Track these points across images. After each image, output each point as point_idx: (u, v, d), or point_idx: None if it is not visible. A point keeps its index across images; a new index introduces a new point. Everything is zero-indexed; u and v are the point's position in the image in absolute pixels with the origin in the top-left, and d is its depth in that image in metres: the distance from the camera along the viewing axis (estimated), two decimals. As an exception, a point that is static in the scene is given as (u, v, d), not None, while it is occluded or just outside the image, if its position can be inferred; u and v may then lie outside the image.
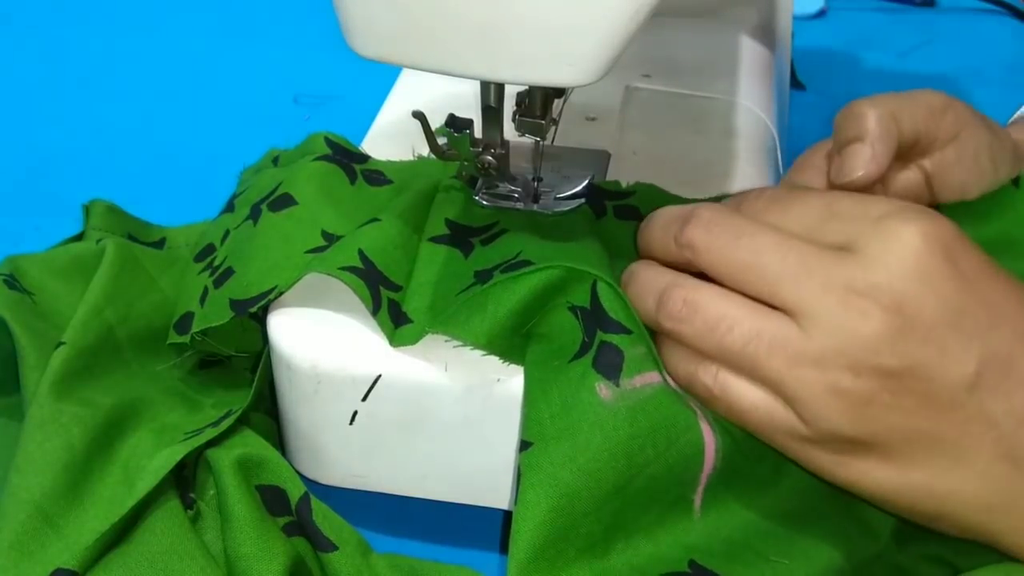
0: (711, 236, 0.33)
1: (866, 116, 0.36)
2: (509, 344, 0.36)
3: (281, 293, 0.38)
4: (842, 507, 0.35)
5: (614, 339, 0.34)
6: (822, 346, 0.30)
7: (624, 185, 0.43)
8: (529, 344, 0.36)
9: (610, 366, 0.34)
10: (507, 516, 0.38)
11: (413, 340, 0.36)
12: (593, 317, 0.35)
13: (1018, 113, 0.48)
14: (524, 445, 0.33)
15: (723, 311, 0.32)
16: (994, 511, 0.31)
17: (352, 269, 0.37)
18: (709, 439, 0.34)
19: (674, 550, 0.34)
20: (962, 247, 0.31)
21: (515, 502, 0.33)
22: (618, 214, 0.42)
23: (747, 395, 0.32)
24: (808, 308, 0.31)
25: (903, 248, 0.30)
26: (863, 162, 0.36)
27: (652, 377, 0.34)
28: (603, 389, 0.33)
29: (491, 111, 0.39)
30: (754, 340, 0.31)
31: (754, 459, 0.35)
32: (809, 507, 0.35)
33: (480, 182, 0.42)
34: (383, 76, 0.51)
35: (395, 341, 0.37)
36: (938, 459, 0.31)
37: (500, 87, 0.38)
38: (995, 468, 0.31)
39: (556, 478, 0.33)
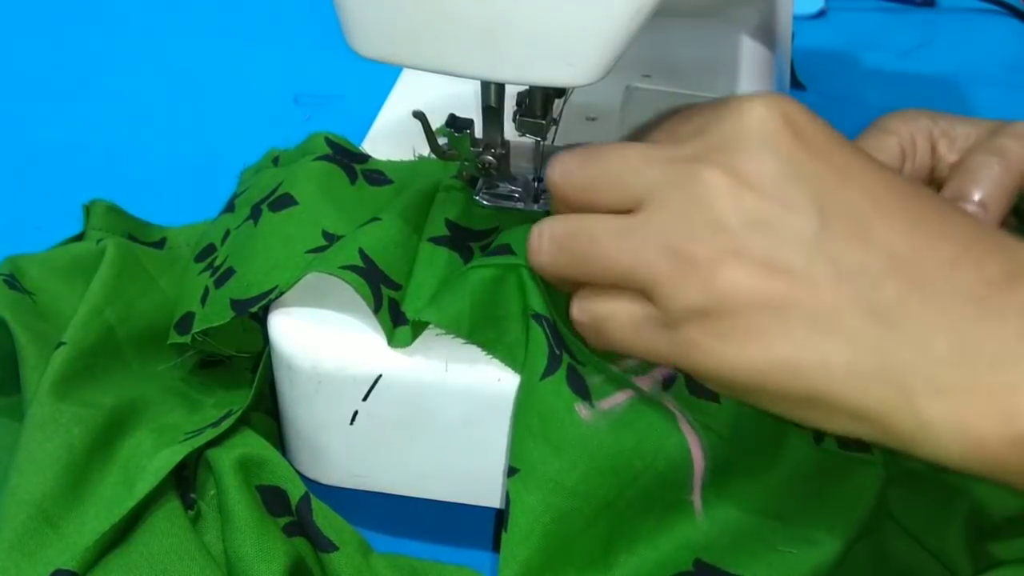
0: (564, 168, 0.33)
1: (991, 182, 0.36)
2: (484, 330, 0.36)
3: (282, 293, 0.38)
4: (839, 486, 0.35)
5: (576, 366, 0.35)
6: (662, 220, 0.30)
7: None
8: (503, 343, 0.36)
9: (582, 388, 0.34)
10: (500, 514, 0.38)
11: (408, 341, 0.36)
12: (555, 331, 0.35)
13: None
14: (511, 471, 0.33)
15: (574, 228, 0.32)
16: (868, 380, 0.28)
17: (353, 268, 0.37)
18: (693, 440, 0.34)
19: (678, 552, 0.34)
20: (808, 120, 0.30)
21: (505, 528, 0.33)
22: None
23: (606, 307, 0.32)
24: (649, 191, 0.31)
25: (744, 120, 0.30)
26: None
27: (619, 398, 0.34)
28: (582, 409, 0.34)
29: (491, 111, 0.39)
30: (603, 239, 0.31)
31: (746, 450, 0.35)
32: (810, 490, 0.35)
33: (480, 182, 0.42)
34: (383, 76, 0.51)
35: (393, 342, 0.37)
36: (797, 327, 0.28)
37: (500, 87, 0.38)
38: (860, 329, 0.28)
39: (546, 503, 0.33)
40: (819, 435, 0.36)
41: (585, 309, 0.33)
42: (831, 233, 0.29)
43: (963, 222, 0.30)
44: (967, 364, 0.27)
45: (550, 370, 0.34)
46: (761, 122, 0.30)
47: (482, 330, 0.36)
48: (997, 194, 0.36)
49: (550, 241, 0.34)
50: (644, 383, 0.35)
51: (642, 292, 0.31)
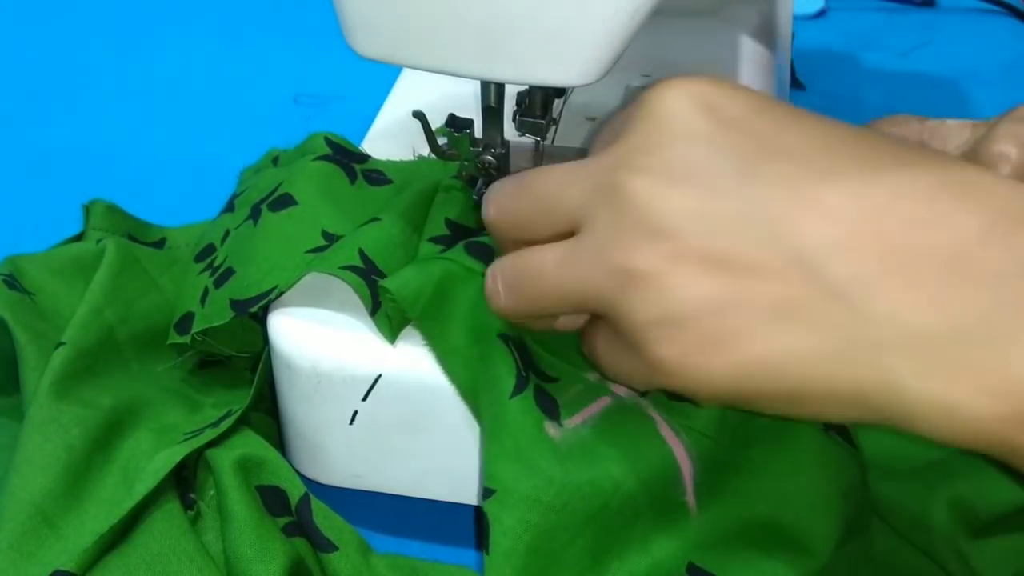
0: (497, 205, 0.33)
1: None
2: (431, 321, 0.36)
3: (282, 293, 0.38)
4: (832, 482, 0.35)
5: (544, 386, 0.35)
6: (597, 239, 0.28)
7: None
8: (444, 342, 0.36)
9: (550, 407, 0.34)
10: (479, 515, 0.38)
11: (395, 332, 0.37)
12: (524, 351, 0.35)
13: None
14: (486, 492, 0.33)
15: (521, 267, 0.32)
16: (843, 364, 0.25)
17: (353, 268, 0.37)
18: (674, 442, 0.33)
19: (672, 557, 0.33)
20: (723, 95, 0.29)
21: (487, 550, 0.32)
22: None
23: (593, 335, 0.32)
24: (580, 211, 0.29)
25: (656, 114, 0.29)
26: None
27: (593, 409, 0.34)
28: (551, 428, 0.33)
29: (491, 111, 0.39)
30: (549, 272, 0.30)
31: (736, 444, 0.34)
32: (803, 488, 0.34)
33: (480, 182, 0.42)
34: (383, 76, 0.51)
35: (382, 326, 0.37)
36: (758, 322, 0.26)
37: (500, 87, 0.38)
38: (820, 311, 0.25)
39: (525, 521, 0.32)
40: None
41: (584, 338, 0.33)
42: (768, 211, 0.26)
43: (926, 167, 0.26)
44: (944, 339, 0.24)
45: (518, 389, 0.34)
46: (673, 113, 0.28)
47: (430, 320, 0.36)
48: None
49: (504, 286, 0.33)
50: (621, 389, 0.35)
51: (595, 310, 0.30)
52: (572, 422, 0.34)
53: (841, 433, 0.35)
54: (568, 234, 0.30)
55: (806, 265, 0.26)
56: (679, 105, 0.29)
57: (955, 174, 0.26)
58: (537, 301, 0.32)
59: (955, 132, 0.37)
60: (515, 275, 0.32)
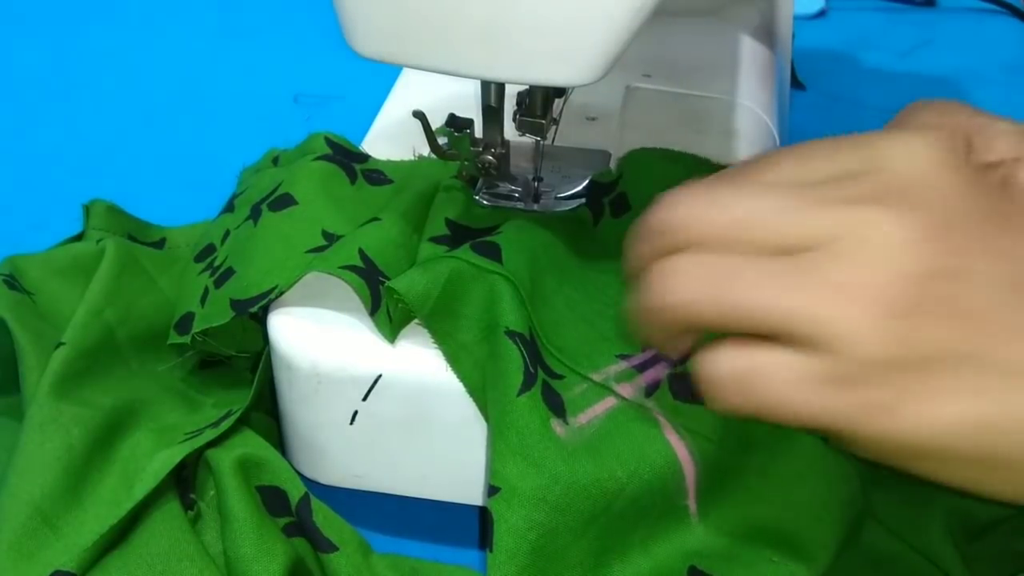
0: (685, 210, 0.29)
1: None
2: (440, 320, 0.36)
3: (281, 293, 0.38)
4: (831, 488, 0.35)
5: (551, 383, 0.35)
6: (837, 264, 0.27)
7: (614, 171, 0.43)
8: (453, 340, 0.36)
9: (557, 405, 0.34)
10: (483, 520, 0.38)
11: (395, 331, 0.37)
12: (533, 349, 0.35)
13: None
14: (491, 490, 0.33)
15: (721, 266, 0.28)
16: None
17: (353, 268, 0.37)
18: (678, 445, 0.33)
19: (673, 560, 0.33)
20: (962, 162, 0.28)
21: (489, 547, 0.32)
22: (613, 211, 0.42)
23: (758, 359, 0.28)
24: (810, 235, 0.27)
25: (914, 153, 0.28)
26: None
27: (598, 409, 0.34)
28: (557, 426, 0.34)
29: (491, 111, 0.39)
30: (762, 279, 0.27)
31: (738, 450, 0.34)
32: (804, 494, 0.34)
33: (480, 182, 0.42)
34: (383, 76, 0.51)
35: (381, 326, 0.37)
36: (998, 381, 0.26)
37: (500, 87, 0.38)
38: None
39: (530, 520, 0.32)
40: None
41: (727, 362, 0.28)
42: (1012, 276, 0.27)
43: None
44: None
45: (526, 386, 0.34)
46: (918, 162, 0.28)
47: (439, 319, 0.36)
48: None
49: (692, 276, 0.28)
50: (626, 390, 0.35)
51: (806, 343, 0.27)
52: (577, 421, 0.34)
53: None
54: (781, 255, 0.28)
55: None
56: (921, 153, 0.28)
57: None
58: (734, 308, 0.28)
59: (1003, 136, 0.36)
60: (718, 271, 0.28)
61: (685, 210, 0.29)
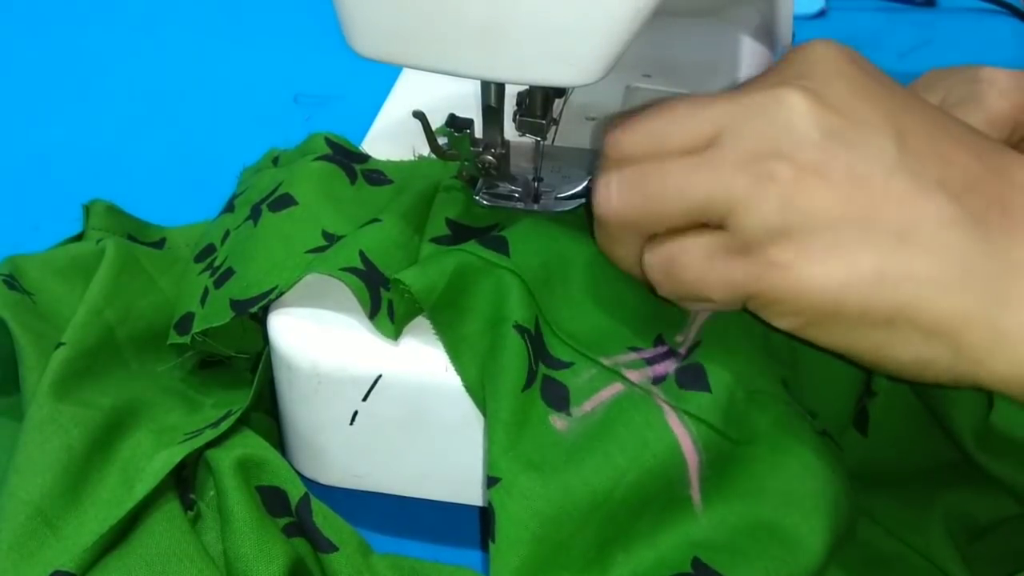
0: (624, 127, 0.33)
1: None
2: (444, 311, 0.36)
3: (282, 293, 0.38)
4: (830, 480, 0.35)
5: (554, 374, 0.35)
6: (740, 145, 0.30)
7: None
8: (455, 332, 0.36)
9: (557, 398, 0.34)
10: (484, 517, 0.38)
11: (397, 330, 0.37)
12: (537, 344, 0.35)
13: None
14: (491, 481, 0.33)
15: (645, 169, 0.32)
16: (951, 290, 0.28)
17: (353, 270, 0.37)
18: (682, 433, 0.33)
19: (677, 550, 0.33)
20: (865, 60, 0.32)
21: (492, 538, 0.32)
22: None
23: (677, 244, 0.32)
24: (723, 125, 0.31)
25: (813, 54, 0.31)
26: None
27: (604, 395, 0.34)
28: (557, 421, 0.34)
29: (491, 111, 0.39)
30: (676, 173, 0.31)
31: (742, 440, 0.34)
32: (810, 485, 0.35)
33: (480, 182, 0.42)
34: (383, 76, 0.51)
35: (381, 328, 0.37)
36: (882, 240, 0.29)
37: (500, 87, 0.38)
38: (944, 240, 0.29)
39: (532, 509, 0.32)
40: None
41: (657, 252, 0.33)
42: (909, 151, 0.29)
43: (1006, 151, 0.31)
44: None
45: (528, 383, 0.34)
46: (828, 57, 0.31)
47: (442, 310, 0.36)
48: None
49: (619, 184, 0.33)
50: (635, 376, 0.35)
51: (718, 222, 0.31)
52: (582, 409, 0.34)
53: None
54: (703, 149, 0.31)
55: (937, 199, 0.29)
56: (831, 52, 0.32)
57: None
58: (653, 203, 0.32)
59: (1003, 80, 0.40)
60: (636, 176, 0.33)
61: (619, 127, 0.33)
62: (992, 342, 0.28)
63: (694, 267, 0.32)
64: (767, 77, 0.32)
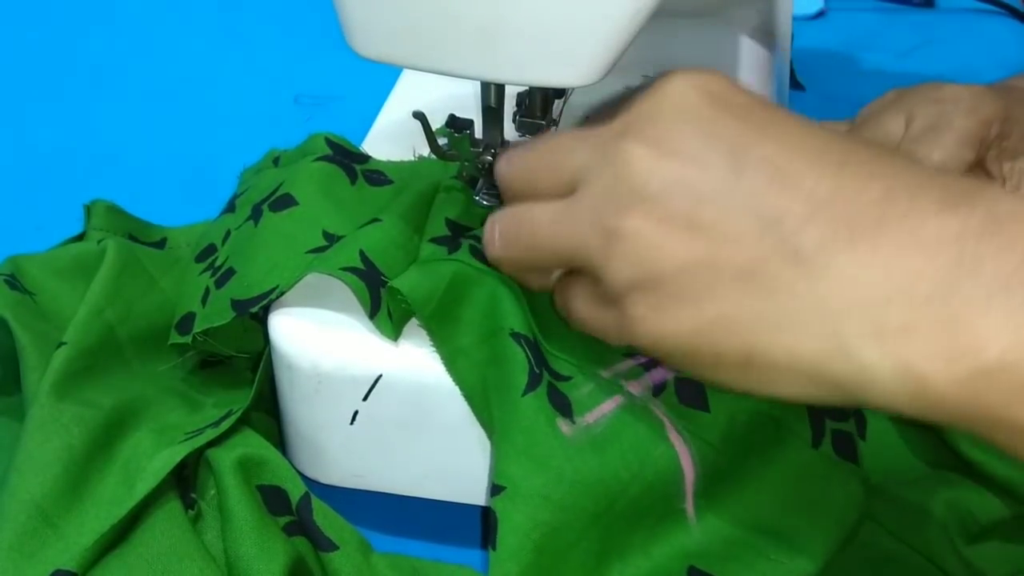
0: (507, 159, 0.34)
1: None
2: (439, 321, 0.36)
3: (282, 293, 0.38)
4: (829, 494, 0.35)
5: (557, 384, 0.35)
6: (592, 198, 0.30)
7: None
8: (450, 343, 0.36)
9: (563, 405, 0.34)
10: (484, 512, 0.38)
11: (396, 330, 0.37)
12: (536, 351, 0.35)
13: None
14: (495, 489, 0.33)
15: (518, 218, 0.34)
16: (800, 329, 0.27)
17: (353, 270, 0.37)
18: (682, 448, 0.34)
19: (672, 561, 0.34)
20: (727, 88, 0.31)
21: (492, 546, 0.32)
22: None
23: (569, 289, 0.33)
24: (581, 171, 0.31)
25: (662, 95, 0.30)
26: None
27: (606, 407, 0.34)
28: (563, 425, 0.34)
29: (491, 111, 0.39)
30: (543, 225, 0.32)
31: (736, 456, 0.35)
32: (801, 498, 0.35)
33: (481, 182, 0.42)
34: (383, 76, 0.51)
35: (382, 328, 0.37)
36: (725, 284, 0.28)
37: (500, 88, 0.39)
38: (785, 277, 0.27)
39: (534, 519, 0.32)
40: (816, 438, 0.36)
41: (557, 292, 0.35)
42: (748, 184, 0.28)
43: (893, 162, 0.28)
44: (900, 302, 0.26)
45: (531, 386, 0.34)
46: (678, 94, 0.30)
47: (438, 321, 0.36)
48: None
49: (499, 235, 0.35)
50: (635, 388, 0.35)
51: (589, 272, 0.31)
52: (585, 420, 0.34)
53: (846, 450, 0.36)
54: (564, 194, 0.32)
55: (776, 233, 0.27)
56: (685, 90, 0.30)
57: (920, 168, 0.28)
58: (529, 252, 0.33)
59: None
60: (512, 225, 0.34)
61: (504, 159, 0.35)
62: (857, 375, 0.26)
63: (582, 312, 0.33)
64: (625, 115, 0.31)
